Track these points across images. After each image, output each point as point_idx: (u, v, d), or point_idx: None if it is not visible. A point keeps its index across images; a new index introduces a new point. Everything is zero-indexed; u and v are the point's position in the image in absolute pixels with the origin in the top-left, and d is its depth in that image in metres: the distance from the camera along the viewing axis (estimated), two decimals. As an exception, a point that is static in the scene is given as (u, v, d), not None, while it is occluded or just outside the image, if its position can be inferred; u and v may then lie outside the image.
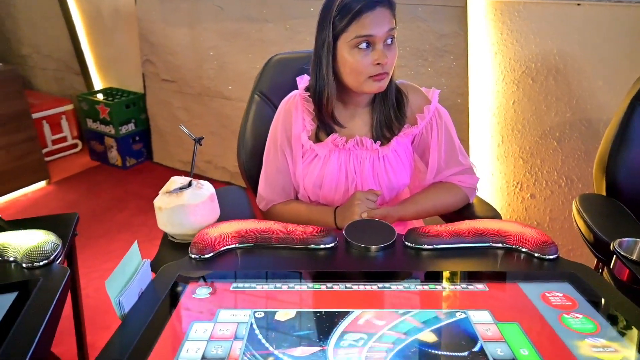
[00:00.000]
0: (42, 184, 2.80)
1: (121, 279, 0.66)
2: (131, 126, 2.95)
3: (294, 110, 1.04)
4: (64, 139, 3.15)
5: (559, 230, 1.95)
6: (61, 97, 3.23)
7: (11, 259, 0.78)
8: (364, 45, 0.90)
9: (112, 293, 0.63)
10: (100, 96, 2.98)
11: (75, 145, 3.23)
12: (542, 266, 0.78)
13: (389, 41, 0.92)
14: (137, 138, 3.00)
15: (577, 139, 1.81)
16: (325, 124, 1.02)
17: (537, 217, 1.99)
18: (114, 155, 2.99)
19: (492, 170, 2.03)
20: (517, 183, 2.00)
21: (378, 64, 0.91)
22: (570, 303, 0.68)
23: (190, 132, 0.92)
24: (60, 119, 3.10)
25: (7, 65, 2.66)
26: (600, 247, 1.00)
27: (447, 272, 0.76)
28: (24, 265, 0.77)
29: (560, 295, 0.70)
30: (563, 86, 1.77)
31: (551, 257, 0.79)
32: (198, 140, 0.91)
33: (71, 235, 1.11)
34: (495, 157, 2.01)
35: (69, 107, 3.14)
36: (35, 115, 2.82)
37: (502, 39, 1.82)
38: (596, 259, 1.14)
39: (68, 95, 3.26)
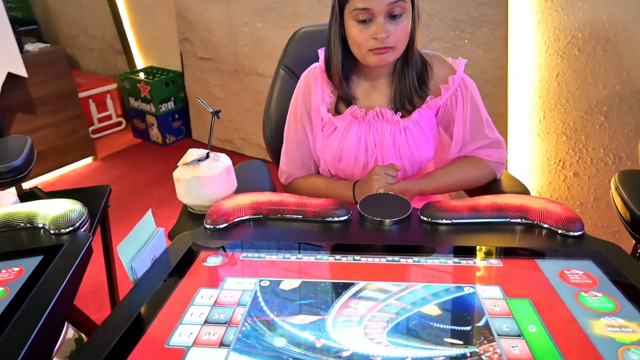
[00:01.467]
0: (88, 160, 2.94)
1: (134, 246, 0.69)
2: (170, 104, 3.03)
3: (314, 83, 1.02)
4: (109, 117, 3.28)
5: (604, 211, 1.85)
6: (106, 77, 3.36)
7: (40, 225, 0.83)
8: (363, 17, 0.88)
9: (124, 258, 0.66)
10: (141, 75, 3.07)
11: (119, 123, 3.36)
12: (565, 243, 0.74)
13: (396, 13, 0.88)
14: (177, 116, 3.08)
15: (627, 114, 1.69)
16: (344, 95, 1.00)
17: (580, 196, 1.90)
18: (154, 132, 3.08)
19: (533, 147, 1.94)
20: (560, 161, 1.90)
21: (375, 38, 0.88)
22: (591, 281, 0.64)
23: (213, 106, 0.93)
24: (105, 98, 3.23)
25: (55, 46, 2.79)
26: (636, 226, 0.94)
27: (461, 247, 0.74)
28: (51, 231, 0.81)
29: (581, 273, 0.66)
30: (613, 57, 1.65)
31: (576, 234, 0.74)
32: (215, 113, 0.91)
33: (103, 206, 1.16)
34: (536, 133, 1.91)
35: (113, 86, 3.26)
36: (81, 95, 2.95)
37: (546, 6, 1.71)
38: (634, 240, 1.07)
39: (112, 75, 3.38)
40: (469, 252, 0.72)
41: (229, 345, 0.54)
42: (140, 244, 0.70)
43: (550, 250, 0.72)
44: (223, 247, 0.76)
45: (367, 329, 0.56)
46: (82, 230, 0.85)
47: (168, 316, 0.59)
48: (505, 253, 0.72)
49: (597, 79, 1.70)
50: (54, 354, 1.47)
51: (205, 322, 0.58)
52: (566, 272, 0.66)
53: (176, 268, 0.70)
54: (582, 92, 1.75)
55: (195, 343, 0.54)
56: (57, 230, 0.81)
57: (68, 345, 1.53)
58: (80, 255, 0.75)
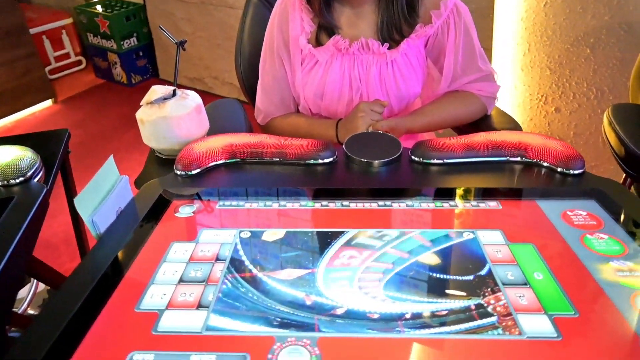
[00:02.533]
0: (48, 102, 2.74)
1: (94, 197, 0.61)
2: (133, 41, 2.81)
3: (291, 10, 0.91)
4: (67, 55, 3.04)
5: (583, 146, 1.84)
6: (59, 10, 3.07)
7: (-15, 176, 0.73)
8: None
9: (83, 212, 0.58)
10: (98, 8, 2.81)
11: (79, 63, 3.13)
12: (565, 182, 0.69)
13: None
14: (141, 53, 2.87)
15: (614, 46, 1.63)
16: (326, 24, 0.90)
17: (560, 132, 1.87)
18: (118, 72, 2.88)
19: (515, 82, 1.88)
20: (542, 96, 1.85)
21: None
22: (595, 222, 0.60)
23: (180, 40, 0.81)
24: (61, 34, 2.97)
25: (-4, -25, 2.50)
26: (631, 162, 0.90)
27: (457, 188, 0.68)
28: (-1, 182, 0.72)
29: (584, 213, 0.62)
30: (604, -17, 1.56)
31: (576, 172, 0.70)
32: (180, 44, 0.81)
33: (62, 153, 1.06)
34: (520, 67, 1.85)
35: (69, 20, 2.99)
36: (33, 31, 2.70)
37: None
38: (624, 176, 1.05)
39: (66, 8, 3.09)
40: (466, 194, 0.67)
41: (207, 307, 0.48)
42: (102, 194, 0.62)
43: (551, 190, 0.67)
44: (197, 195, 0.69)
45: (361, 282, 0.51)
46: (35, 180, 0.75)
47: (137, 276, 0.53)
48: (504, 194, 0.67)
49: (587, 8, 1.62)
50: (26, 306, 1.41)
51: (180, 281, 0.52)
52: (569, 213, 0.62)
53: (144, 220, 0.62)
54: (569, 23, 1.67)
55: (169, 305, 0.48)
56: (5, 181, 0.72)
57: (40, 295, 1.47)
58: (34, 208, 0.67)
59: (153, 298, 0.49)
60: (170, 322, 0.46)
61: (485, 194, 0.67)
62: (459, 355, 0.42)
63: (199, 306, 0.48)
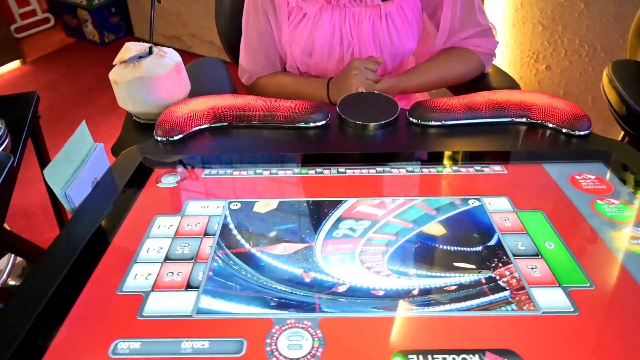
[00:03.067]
0: (15, 63, 2.59)
1: (66, 168, 0.55)
2: (104, -5, 2.64)
3: (276, -43, 0.83)
4: (33, 12, 2.85)
5: (573, 105, 1.81)
6: (21, -37, 2.85)
7: (-56, 145, 0.67)
8: None
9: (55, 184, 0.52)
10: (64, -40, 2.62)
11: (46, 20, 2.94)
12: (571, 144, 0.66)
13: None
14: (114, 10, 2.71)
15: (608, 0, 1.58)
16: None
17: (550, 90, 1.84)
18: (90, 30, 2.72)
19: (506, 39, 1.83)
20: (533, 53, 1.81)
21: None
22: (605, 187, 0.57)
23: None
24: (25, -11, 2.77)
25: None
26: (633, 121, 0.87)
27: (458, 152, 0.64)
28: (-40, 152, 0.65)
29: (593, 177, 0.59)
30: None
31: (582, 133, 0.66)
32: (155, -4, 0.73)
33: (30, 118, 0.98)
34: (511, 23, 1.79)
35: (32, -26, 2.78)
36: (-7, -16, 2.51)
37: None
38: (621, 135, 1.02)
39: (29, -40, 2.87)
40: (468, 158, 0.63)
41: (197, 287, 0.44)
42: (75, 164, 0.56)
43: (558, 153, 0.64)
44: (181, 163, 0.63)
45: (363, 255, 0.48)
46: (1, 149, 0.69)
47: (118, 254, 0.48)
48: (509, 158, 0.63)
49: (583, -41, 1.55)
50: (6, 277, 1.36)
51: (166, 259, 0.47)
52: (577, 177, 0.59)
53: (124, 192, 0.57)
54: (564, -24, 1.61)
55: (155, 286, 0.44)
56: (-33, 150, 0.65)
57: (20, 265, 1.42)
58: (2, 177, 0.61)
59: (137, 279, 0.45)
60: (157, 305, 0.42)
61: (489, 157, 0.63)
62: (472, 334, 0.39)
63: (188, 287, 0.44)
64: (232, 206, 0.55)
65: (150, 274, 0.45)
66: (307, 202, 0.55)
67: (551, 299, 0.42)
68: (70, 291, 0.43)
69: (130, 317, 0.41)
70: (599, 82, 1.61)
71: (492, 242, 0.49)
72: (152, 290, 0.44)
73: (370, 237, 0.50)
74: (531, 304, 0.42)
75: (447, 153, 0.64)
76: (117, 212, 0.54)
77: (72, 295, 0.43)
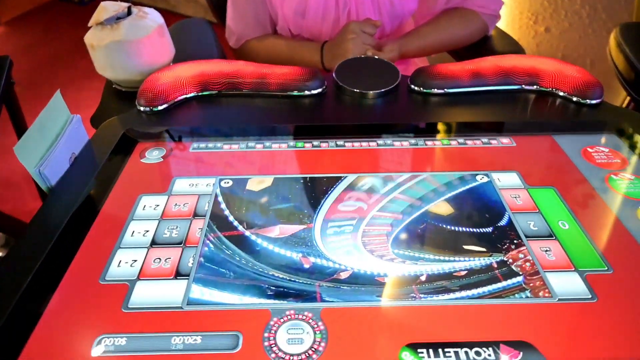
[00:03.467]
0: (-11, 24, 2.45)
1: (40, 142, 0.50)
2: (81, -50, 2.48)
3: None
4: (5, -32, 2.67)
5: (571, 69, 1.76)
6: None
7: None
8: None
9: (27, 162, 0.48)
10: None
11: (20, -23, 2.77)
12: (582, 113, 0.62)
13: None
14: (91, -34, 2.55)
15: (612, -41, 1.51)
16: None
17: (548, 54, 1.78)
18: (67, -13, 2.57)
19: (506, -1, 1.75)
20: (532, 14, 1.74)
21: None
22: (619, 160, 0.54)
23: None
24: (-6, -58, 2.59)
25: None
26: (641, 87, 0.84)
27: (464, 123, 0.60)
28: None
29: (606, 150, 0.55)
30: None
31: (594, 102, 0.63)
32: (133, -51, 0.66)
33: (4, 84, 0.92)
34: (511, -18, 1.71)
35: None
36: (-40, -63, 2.34)
37: None
38: (626, 101, 0.99)
39: None
40: (474, 129, 0.59)
41: (187, 275, 0.40)
42: (50, 139, 0.51)
43: (569, 124, 0.60)
44: (167, 136, 0.59)
45: (365, 237, 0.44)
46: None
47: (99, 239, 0.44)
48: (518, 129, 0.59)
49: None
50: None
51: (153, 243, 0.44)
52: (589, 150, 0.55)
53: (105, 168, 0.53)
54: None
55: (141, 275, 0.41)
56: None
57: (2, 236, 1.38)
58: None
59: (121, 266, 0.41)
60: (144, 296, 0.39)
61: (497, 128, 0.59)
62: (485, 325, 0.37)
63: (177, 275, 0.41)
64: (223, 184, 0.51)
65: (135, 261, 0.42)
66: (304, 179, 0.51)
67: (567, 285, 0.40)
68: (48, 282, 0.40)
69: (115, 310, 0.38)
70: (599, 45, 1.56)
71: (503, 222, 0.46)
72: (138, 279, 0.40)
73: (372, 217, 0.47)
74: (546, 290, 0.39)
75: (452, 124, 0.60)
76: (97, 192, 0.50)
77: (50, 287, 0.39)
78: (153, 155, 0.55)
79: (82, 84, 2.08)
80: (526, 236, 0.44)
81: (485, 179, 0.51)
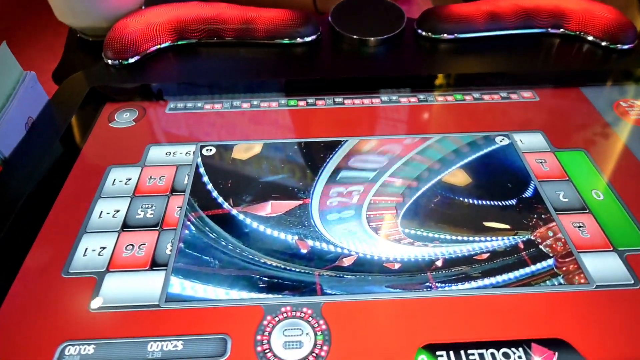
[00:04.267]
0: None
1: (-14, 106, 0.43)
2: None
3: None
4: None
5: None
6: None
7: None
8: None
9: (-29, 130, 0.40)
10: None
11: None
12: (611, 60, 0.55)
13: None
14: None
15: None
16: None
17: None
18: None
19: None
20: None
21: None
22: (656, 116, 0.47)
23: None
24: None
25: None
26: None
27: (479, 74, 0.53)
28: None
29: (641, 104, 0.49)
30: None
31: (626, 47, 0.55)
32: None
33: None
34: None
35: None
36: None
37: None
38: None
39: None
40: (491, 81, 0.52)
41: (165, 265, 0.35)
42: (-2, 101, 0.44)
43: (598, 73, 0.53)
44: (141, 93, 0.51)
45: (371, 213, 0.38)
46: None
47: (62, 221, 0.38)
48: (540, 80, 0.52)
49: None
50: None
51: (124, 226, 0.37)
52: (623, 104, 0.49)
53: (67, 135, 0.46)
54: None
55: (111, 265, 0.35)
56: None
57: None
58: None
59: (87, 255, 0.35)
60: (115, 292, 0.33)
61: (517, 80, 0.52)
62: (513, 319, 0.31)
63: (153, 265, 0.35)
64: (204, 151, 0.44)
65: (104, 248, 0.36)
66: (299, 144, 0.45)
67: (605, 268, 0.34)
68: (0, 276, 0.34)
69: (81, 310, 0.32)
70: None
71: (528, 193, 0.40)
72: (108, 270, 0.34)
73: (378, 189, 0.40)
74: (581, 275, 0.34)
75: (465, 75, 0.53)
76: (59, 163, 0.43)
77: (3, 283, 0.33)
78: (124, 118, 0.48)
79: (41, 35, 1.93)
80: (555, 210, 0.38)
81: (506, 141, 0.45)
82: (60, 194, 0.40)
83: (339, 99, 0.49)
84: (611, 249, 0.36)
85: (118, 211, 0.39)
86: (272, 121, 0.48)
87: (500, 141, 0.45)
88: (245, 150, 0.44)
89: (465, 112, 0.48)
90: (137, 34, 0.54)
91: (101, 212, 0.39)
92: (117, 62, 0.54)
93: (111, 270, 0.34)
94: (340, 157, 0.43)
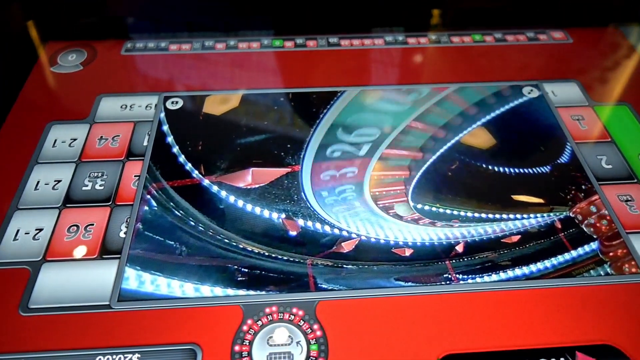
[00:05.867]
0: None
1: None
2: None
3: None
4: None
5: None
6: None
7: None
8: None
9: None
10: None
11: None
12: (654, -5, 0.46)
13: None
14: None
15: None
16: None
17: None
18: None
19: None
20: None
21: None
22: None
23: None
24: None
25: None
26: None
27: (501, 8, 0.44)
28: None
29: (691, 48, 0.41)
30: None
31: (672, -22, 0.46)
32: None
33: None
34: None
35: None
36: None
37: None
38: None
39: None
40: (516, 17, 0.44)
41: (119, 253, 0.27)
42: None
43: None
44: (85, 31, 0.42)
45: (375, 186, 0.31)
46: None
47: (-12, 194, 0.30)
48: (573, 19, 0.44)
49: None
50: None
51: (67, 201, 0.30)
52: (670, 47, 0.41)
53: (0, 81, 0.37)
54: None
55: (49, 253, 0.27)
56: None
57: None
58: None
59: (19, 239, 0.28)
60: (53, 288, 0.26)
61: (544, 18, 0.44)
62: (551, 321, 0.25)
63: (104, 252, 0.28)
64: (169, 104, 0.36)
65: (40, 230, 0.28)
66: (286, 95, 0.37)
67: (659, 253, 0.28)
68: None
69: (10, 312, 0.25)
70: None
71: (564, 159, 0.33)
72: (45, 259, 0.27)
73: (384, 154, 0.33)
74: (632, 262, 0.28)
75: (485, 10, 0.44)
76: (-15, 119, 0.34)
77: None
78: (69, 60, 0.39)
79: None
80: (598, 179, 0.32)
81: (535, 93, 0.37)
82: (-13, 158, 0.32)
83: (333, 39, 0.41)
84: (666, 229, 0.29)
85: (59, 181, 0.31)
86: (253, 66, 0.39)
87: (529, 93, 0.37)
88: (219, 103, 0.36)
89: (483, 56, 0.40)
90: (85, -45, 0.44)
91: (38, 182, 0.31)
92: (60, -11, 0.44)
93: (49, 259, 0.27)
94: (338, 112, 0.35)
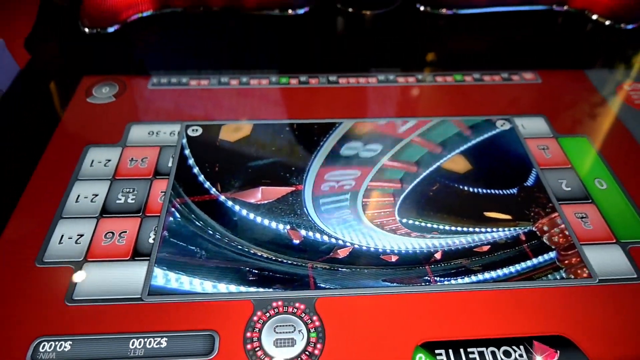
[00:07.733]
0: None
1: (-50, 78, 0.39)
2: None
3: None
4: None
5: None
6: None
7: None
8: None
9: None
10: None
11: None
12: (615, 41, 0.53)
13: None
14: None
15: None
16: None
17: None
18: None
19: None
20: None
21: None
22: (660, 101, 0.46)
23: None
24: None
25: None
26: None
27: (480, 54, 0.51)
28: None
29: (645, 88, 0.47)
30: None
31: (630, 26, 0.53)
32: None
33: None
34: None
35: None
36: None
37: None
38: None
39: None
40: (491, 61, 0.50)
41: (148, 255, 0.32)
42: (-37, 73, 0.40)
43: (602, 54, 0.51)
44: (116, 68, 0.48)
45: (367, 202, 0.37)
46: None
47: (35, 205, 0.35)
48: (543, 62, 0.50)
49: None
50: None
51: (103, 212, 0.35)
52: (626, 87, 0.47)
53: (40, 111, 0.42)
54: None
55: (90, 255, 0.32)
56: None
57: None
58: None
59: (64, 243, 0.33)
60: (93, 283, 0.31)
61: (518, 62, 0.50)
62: (514, 315, 0.30)
63: (135, 255, 0.33)
64: (190, 131, 0.41)
65: (82, 236, 0.33)
66: (291, 125, 0.42)
67: (608, 262, 0.33)
68: (-32, 266, 0.31)
69: (56, 302, 0.30)
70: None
71: (530, 182, 0.38)
72: (86, 260, 0.32)
73: (375, 175, 0.38)
74: (584, 269, 0.33)
75: (465, 54, 0.50)
76: (31, 142, 0.40)
77: (-29, 273, 0.31)
78: (102, 92, 0.45)
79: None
80: (558, 199, 0.37)
81: (507, 125, 0.43)
82: (34, 176, 0.37)
83: (333, 77, 0.47)
84: (614, 241, 0.34)
85: (96, 195, 0.36)
86: (262, 100, 0.45)
87: (502, 125, 0.43)
88: (233, 131, 0.41)
89: (463, 94, 0.46)
90: (117, 0, 0.50)
91: (78, 196, 0.36)
92: (95, 30, 0.50)
93: (89, 259, 0.32)
94: (335, 140, 0.41)
